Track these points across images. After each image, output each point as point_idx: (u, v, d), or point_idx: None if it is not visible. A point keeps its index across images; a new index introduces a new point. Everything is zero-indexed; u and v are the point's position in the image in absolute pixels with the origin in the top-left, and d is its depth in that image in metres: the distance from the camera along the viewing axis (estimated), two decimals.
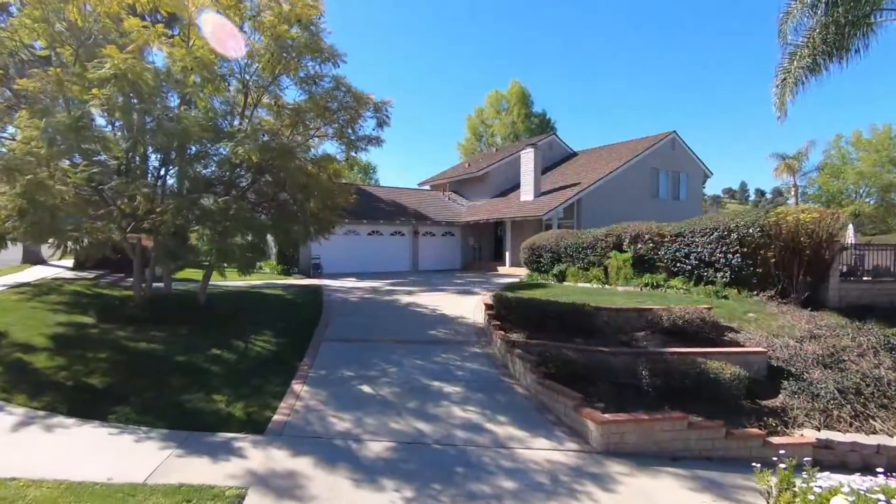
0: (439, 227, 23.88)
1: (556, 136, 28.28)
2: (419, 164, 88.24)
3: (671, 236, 12.03)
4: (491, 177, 25.45)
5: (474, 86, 72.56)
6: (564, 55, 65.99)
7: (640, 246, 12.86)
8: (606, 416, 5.64)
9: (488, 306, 10.19)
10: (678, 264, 11.84)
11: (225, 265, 8.52)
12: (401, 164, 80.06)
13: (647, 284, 12.33)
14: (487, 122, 48.47)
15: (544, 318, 8.71)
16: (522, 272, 19.06)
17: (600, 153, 24.60)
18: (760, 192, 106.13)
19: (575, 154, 27.31)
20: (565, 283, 14.85)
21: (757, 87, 67.42)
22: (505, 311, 9.50)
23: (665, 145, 23.36)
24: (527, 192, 21.91)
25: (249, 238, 8.96)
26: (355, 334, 9.39)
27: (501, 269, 21.99)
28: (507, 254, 21.87)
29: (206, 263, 9.88)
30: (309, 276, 18.79)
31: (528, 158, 21.91)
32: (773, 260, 9.89)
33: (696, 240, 11.24)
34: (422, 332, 9.68)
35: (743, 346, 7.96)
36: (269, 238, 11.78)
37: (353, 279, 18.09)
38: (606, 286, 13.61)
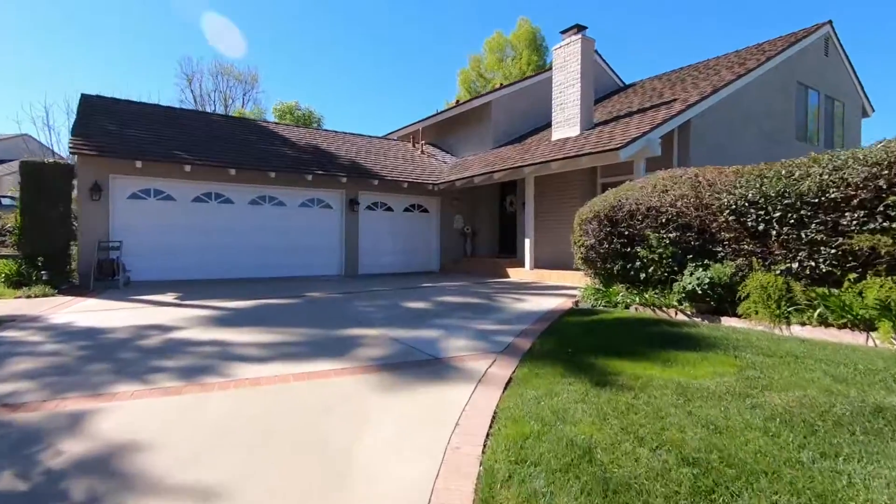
0: (400, 194, 13.80)
1: (599, 56, 18.19)
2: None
3: None
4: (493, 115, 15.37)
5: (470, 32, 61.85)
6: None
7: None
8: None
9: None
10: None
11: None
12: (368, 130, 69.21)
13: None
14: (487, 74, 38.55)
15: None
16: (569, 278, 9.24)
17: (689, 75, 14.54)
18: None
19: (629, 86, 17.32)
20: (740, 324, 4.79)
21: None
22: None
23: (815, 47, 13.45)
24: (566, 123, 11.87)
25: None
26: None
27: (516, 274, 11.99)
28: (528, 243, 11.83)
29: None
30: (85, 292, 8.67)
31: (568, 56, 11.86)
32: None
33: None
34: None
35: None
36: None
37: (173, 295, 7.98)
38: None
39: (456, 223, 15.12)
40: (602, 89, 17.15)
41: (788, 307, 4.72)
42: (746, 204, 5.10)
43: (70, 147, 8.97)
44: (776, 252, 4.91)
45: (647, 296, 6.05)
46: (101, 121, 10.88)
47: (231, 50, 60.24)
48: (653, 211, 6.04)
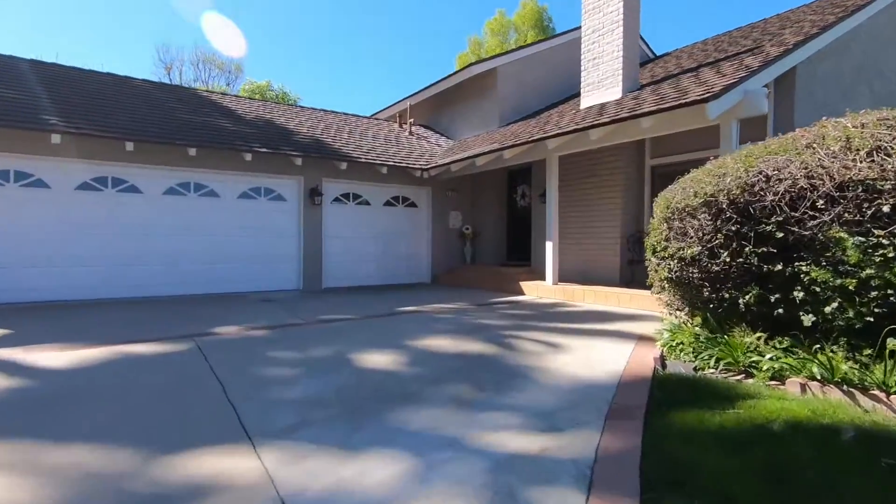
0: (379, 183, 10.78)
1: None
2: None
3: None
4: (499, 86, 12.35)
5: (470, 14, 58.43)
6: None
7: None
8: None
9: None
10: None
11: None
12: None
13: None
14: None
15: None
16: (612, 300, 6.27)
17: (752, 32, 11.54)
18: None
19: (663, 55, 14.29)
20: None
21: None
22: None
23: None
24: (601, 84, 8.85)
25: None
26: None
27: (533, 290, 8.96)
28: (549, 248, 8.80)
29: None
30: None
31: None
32: None
33: None
34: None
35: None
36: None
37: None
38: None
39: (452, 221, 12.09)
40: None
41: None
42: None
43: None
44: None
45: (841, 366, 3.00)
46: None
47: (231, 49, 56.81)
48: (853, 191, 2.99)
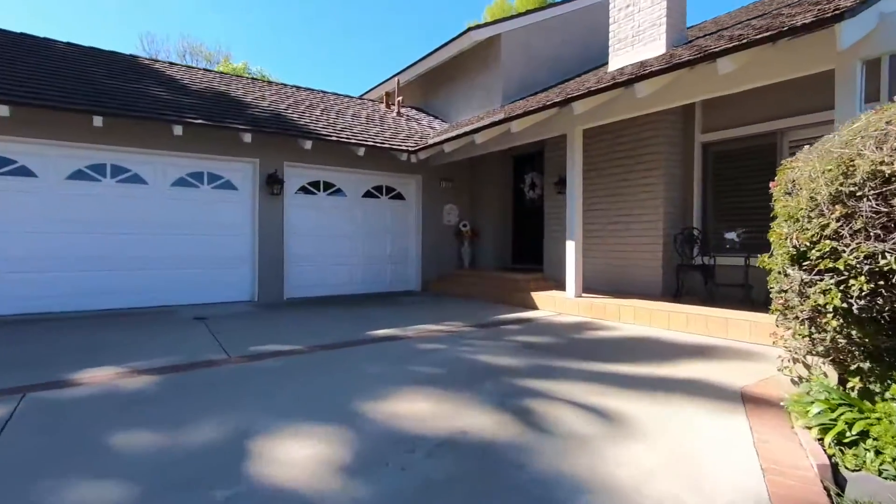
0: (357, 169, 8.85)
1: None
2: None
3: None
4: (503, 56, 10.40)
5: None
6: None
7: None
8: None
9: None
10: None
11: None
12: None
13: None
14: None
15: None
16: (658, 319, 4.32)
17: None
18: None
19: (691, 27, 12.36)
20: None
21: None
22: None
23: None
24: (637, 40, 6.93)
25: None
26: None
27: (548, 303, 7.02)
28: (571, 250, 6.88)
29: None
30: None
31: None
32: None
33: None
34: None
35: None
36: None
37: None
38: None
39: (447, 217, 10.18)
40: None
41: None
42: None
43: None
44: None
45: None
46: None
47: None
48: None
